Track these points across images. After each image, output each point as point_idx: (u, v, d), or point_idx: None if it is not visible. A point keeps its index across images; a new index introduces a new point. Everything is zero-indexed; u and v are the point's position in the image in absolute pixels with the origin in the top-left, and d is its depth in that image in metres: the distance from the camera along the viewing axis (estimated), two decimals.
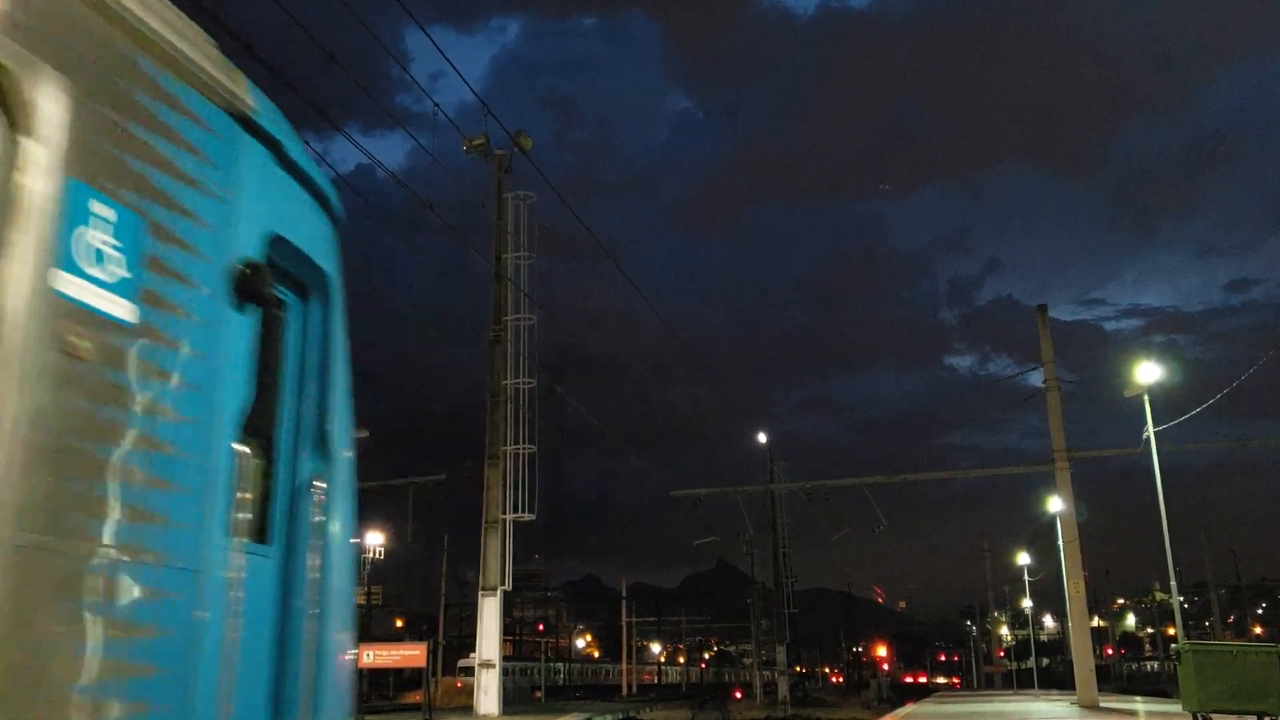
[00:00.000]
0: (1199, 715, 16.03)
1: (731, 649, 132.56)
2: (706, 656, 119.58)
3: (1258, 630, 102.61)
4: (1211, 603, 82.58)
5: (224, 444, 2.75)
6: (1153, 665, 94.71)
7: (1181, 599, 25.78)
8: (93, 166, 2.31)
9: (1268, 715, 15.51)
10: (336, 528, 3.29)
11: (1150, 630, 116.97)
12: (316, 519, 3.22)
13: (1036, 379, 29.09)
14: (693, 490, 35.29)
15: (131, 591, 2.31)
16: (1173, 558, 23.79)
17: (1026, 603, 70.86)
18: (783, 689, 46.02)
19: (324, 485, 3.28)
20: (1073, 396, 29.55)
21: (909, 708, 32.51)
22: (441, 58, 13.55)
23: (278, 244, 3.11)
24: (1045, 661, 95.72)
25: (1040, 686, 62.21)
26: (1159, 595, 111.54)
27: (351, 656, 3.42)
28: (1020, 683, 79.27)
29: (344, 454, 3.43)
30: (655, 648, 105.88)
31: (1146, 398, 25.23)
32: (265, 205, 3.07)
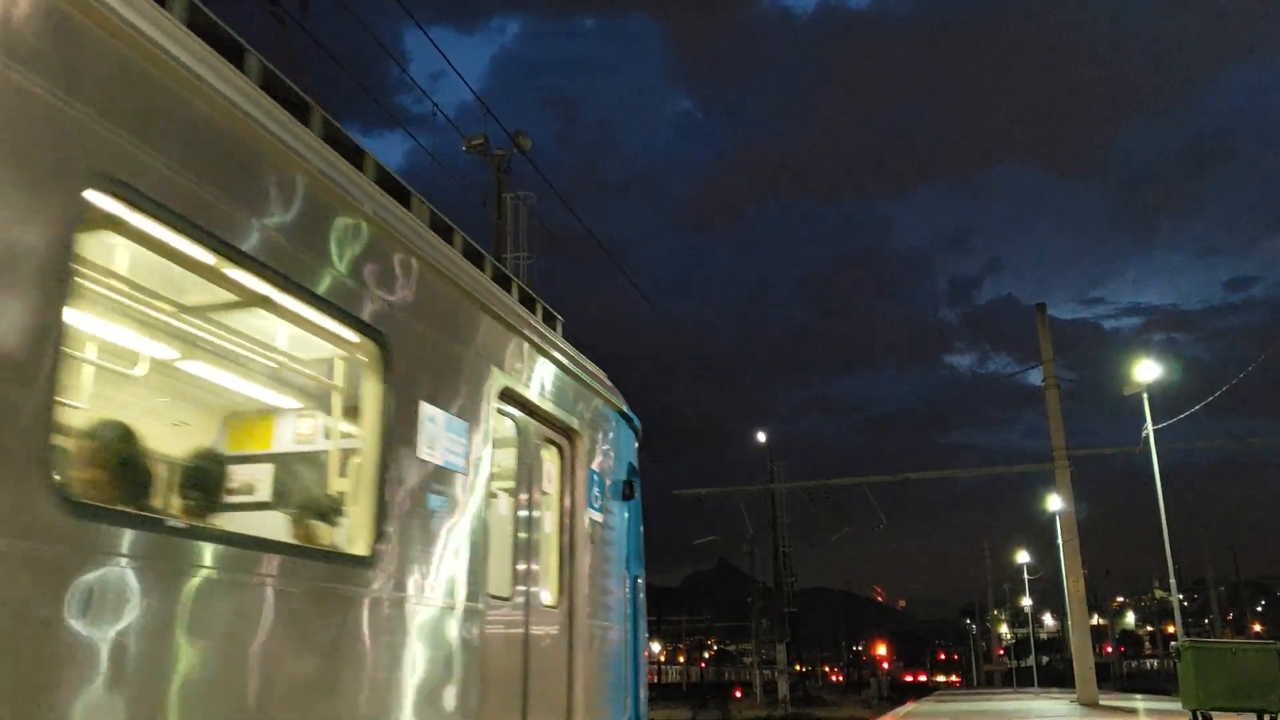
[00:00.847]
0: (1199, 713, 16.07)
1: (732, 648, 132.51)
2: (706, 656, 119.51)
3: (1257, 628, 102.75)
4: (1211, 600, 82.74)
5: (623, 568, 6.88)
6: (1152, 663, 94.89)
7: (1181, 597, 25.83)
8: (593, 461, 6.49)
9: (1267, 712, 15.55)
10: (643, 604, 7.45)
11: (1150, 628, 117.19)
12: (639, 599, 7.32)
13: (1036, 377, 29.10)
14: (693, 490, 35.29)
15: (619, 642, 6.72)
16: (1172, 556, 23.84)
17: (1026, 601, 70.97)
18: (783, 688, 46.05)
19: (642, 581, 7.38)
20: (1072, 395, 29.59)
21: (909, 706, 32.57)
22: (441, 58, 13.57)
23: (630, 466, 7.20)
24: (1045, 660, 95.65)
25: (1040, 684, 62.22)
26: (1158, 593, 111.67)
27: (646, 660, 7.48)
28: (1020, 681, 79.24)
29: (643, 560, 7.49)
30: (655, 647, 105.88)
31: (1146, 396, 25.27)
32: (628, 450, 7.25)
